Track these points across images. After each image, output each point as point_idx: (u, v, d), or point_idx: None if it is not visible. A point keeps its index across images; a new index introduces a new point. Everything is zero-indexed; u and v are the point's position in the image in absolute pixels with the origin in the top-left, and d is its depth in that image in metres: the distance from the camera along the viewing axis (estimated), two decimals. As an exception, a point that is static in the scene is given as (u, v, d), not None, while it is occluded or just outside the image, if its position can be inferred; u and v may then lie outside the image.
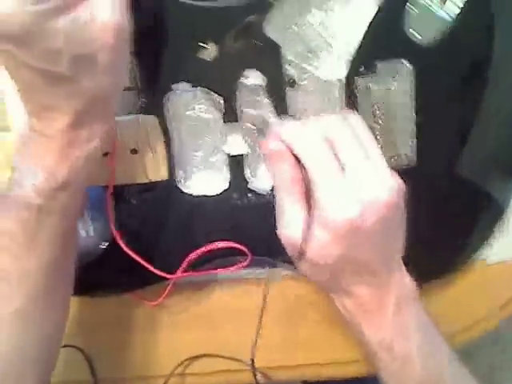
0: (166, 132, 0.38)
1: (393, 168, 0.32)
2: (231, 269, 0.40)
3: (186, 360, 0.44)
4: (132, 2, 0.29)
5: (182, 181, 0.39)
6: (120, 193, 0.39)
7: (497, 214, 0.42)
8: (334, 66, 0.37)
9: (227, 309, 0.44)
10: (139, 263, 0.38)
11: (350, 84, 0.37)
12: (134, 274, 0.39)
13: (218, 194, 0.39)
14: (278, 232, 0.33)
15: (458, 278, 0.44)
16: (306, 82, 0.37)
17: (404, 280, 0.34)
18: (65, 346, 0.41)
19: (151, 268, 0.38)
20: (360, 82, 0.37)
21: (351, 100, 0.37)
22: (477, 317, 0.45)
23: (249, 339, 0.44)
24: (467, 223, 0.41)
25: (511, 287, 0.45)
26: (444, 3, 0.36)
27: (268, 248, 0.39)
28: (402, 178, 0.32)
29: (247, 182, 0.39)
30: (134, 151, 0.37)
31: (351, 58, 0.37)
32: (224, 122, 0.38)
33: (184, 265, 0.39)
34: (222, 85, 0.37)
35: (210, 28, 0.36)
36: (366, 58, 0.37)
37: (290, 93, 0.37)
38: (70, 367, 0.44)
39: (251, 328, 0.44)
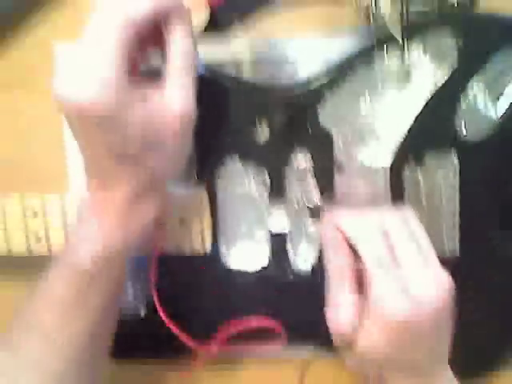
0: (213, 205, 0.39)
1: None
2: (266, 347, 0.39)
3: None
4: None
5: (225, 253, 0.40)
6: (162, 261, 0.39)
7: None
8: (381, 154, 0.38)
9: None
10: (174, 332, 0.39)
11: (396, 173, 0.38)
12: (168, 342, 0.39)
13: (258, 270, 0.40)
14: (326, 318, 0.33)
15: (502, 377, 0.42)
16: (353, 168, 0.38)
17: (447, 375, 0.33)
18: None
19: (186, 339, 0.38)
20: (408, 173, 0.38)
21: (398, 189, 0.38)
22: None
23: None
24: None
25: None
26: (497, 101, 0.37)
27: (306, 329, 0.39)
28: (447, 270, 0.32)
29: (288, 260, 0.39)
30: (182, 221, 0.38)
31: (398, 147, 0.38)
32: (270, 199, 0.39)
33: (218, 338, 0.39)
34: (271, 164, 0.38)
35: (265, 110, 0.38)
36: (414, 149, 0.38)
37: (337, 177, 0.38)
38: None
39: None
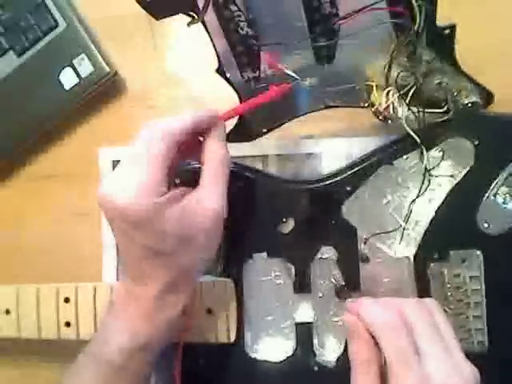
0: (239, 295, 0.40)
1: (465, 353, 0.32)
2: None
3: None
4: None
5: (250, 344, 0.40)
6: (187, 349, 0.39)
7: None
8: (404, 245, 0.39)
9: None
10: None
11: (421, 264, 0.39)
12: None
13: (282, 360, 0.40)
14: None
15: None
16: (378, 258, 0.39)
17: None
18: None
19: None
20: (432, 264, 0.39)
21: (422, 279, 0.39)
22: None
23: None
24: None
25: None
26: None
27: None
28: (475, 365, 0.31)
29: (313, 351, 0.39)
30: (209, 311, 0.39)
31: (422, 239, 0.39)
32: (295, 290, 0.40)
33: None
34: (296, 255, 0.40)
35: (290, 204, 0.40)
36: (438, 242, 0.38)
37: (361, 267, 0.39)
38: None
39: None
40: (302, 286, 0.40)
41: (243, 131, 0.41)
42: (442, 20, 0.35)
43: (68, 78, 0.45)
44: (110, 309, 0.34)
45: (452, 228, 0.39)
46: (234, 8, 0.35)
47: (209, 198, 0.32)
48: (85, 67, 0.45)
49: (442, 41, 0.36)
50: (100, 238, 0.45)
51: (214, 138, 0.33)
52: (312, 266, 0.39)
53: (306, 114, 0.41)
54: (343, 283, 0.39)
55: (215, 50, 0.37)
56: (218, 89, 0.40)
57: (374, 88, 0.38)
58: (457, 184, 0.38)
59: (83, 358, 0.33)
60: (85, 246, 0.46)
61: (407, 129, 0.37)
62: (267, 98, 0.36)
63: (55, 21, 0.46)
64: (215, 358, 0.40)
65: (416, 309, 0.33)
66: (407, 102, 0.37)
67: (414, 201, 0.39)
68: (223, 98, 0.39)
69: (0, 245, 0.48)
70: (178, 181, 0.35)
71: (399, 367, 0.30)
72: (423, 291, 0.39)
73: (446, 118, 0.38)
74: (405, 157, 0.39)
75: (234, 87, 0.39)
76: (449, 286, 0.38)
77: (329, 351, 0.39)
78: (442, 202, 0.39)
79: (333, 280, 0.39)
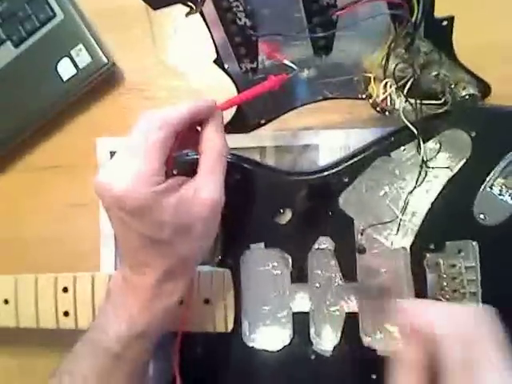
0: (237, 286, 0.40)
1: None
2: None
3: None
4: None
5: (247, 333, 0.40)
6: (185, 339, 0.40)
7: None
8: (401, 236, 0.39)
9: None
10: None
11: (417, 256, 0.39)
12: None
13: (279, 349, 0.40)
14: None
15: None
16: (374, 249, 0.39)
17: None
18: None
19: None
20: (429, 257, 0.39)
21: (419, 270, 0.39)
22: None
23: None
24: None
25: None
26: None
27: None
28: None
29: (310, 340, 0.40)
30: (207, 301, 0.39)
31: (418, 230, 0.39)
32: (293, 280, 0.40)
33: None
34: (293, 246, 0.40)
35: (287, 195, 0.40)
36: (435, 235, 0.39)
37: (358, 258, 0.39)
38: None
39: None
40: (299, 276, 0.40)
41: (241, 123, 0.41)
42: (440, 13, 0.35)
43: (66, 69, 0.45)
44: (108, 297, 0.34)
45: (448, 219, 0.39)
46: (232, -2, 0.35)
47: (206, 187, 0.32)
48: (83, 58, 0.45)
49: (440, 32, 0.37)
50: (98, 229, 0.45)
51: (212, 127, 0.33)
52: (309, 256, 0.40)
53: (304, 105, 0.41)
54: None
55: (213, 40, 0.37)
56: (216, 80, 0.40)
57: (372, 80, 0.38)
58: (453, 175, 0.39)
59: (81, 346, 0.33)
60: (83, 237, 0.46)
61: (404, 120, 0.38)
62: (265, 88, 0.36)
63: (53, 11, 0.46)
64: (213, 347, 0.40)
65: (480, 318, 0.32)
66: (405, 93, 0.37)
67: (410, 192, 0.39)
68: (221, 89, 0.39)
69: (-2, 236, 0.48)
70: (175, 172, 0.35)
71: (459, 377, 0.29)
72: (419, 282, 0.39)
73: (443, 109, 0.38)
74: (402, 148, 0.39)
75: (232, 78, 0.39)
76: (445, 276, 0.39)
77: (325, 340, 0.40)
78: (439, 194, 0.39)
79: (328, 279, 0.39)
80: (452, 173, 0.39)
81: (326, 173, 0.40)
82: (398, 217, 0.39)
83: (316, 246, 0.40)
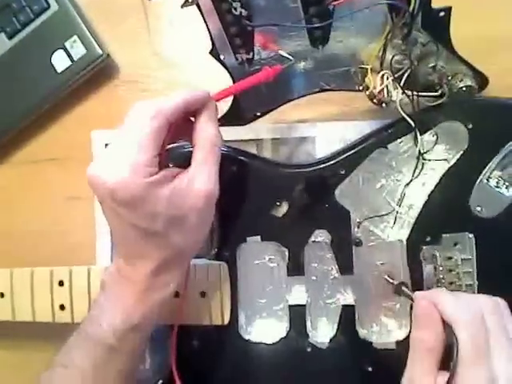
0: (233, 278, 0.40)
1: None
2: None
3: None
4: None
5: (244, 326, 0.40)
6: (182, 332, 0.39)
7: None
8: (397, 229, 0.39)
9: None
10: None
11: (413, 247, 0.39)
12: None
13: (276, 341, 0.40)
14: None
15: None
16: (371, 242, 0.39)
17: None
18: None
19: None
20: (425, 249, 0.39)
21: (415, 262, 0.39)
22: None
23: None
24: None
25: None
26: (509, 179, 0.38)
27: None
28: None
29: (306, 333, 0.40)
30: (203, 294, 0.39)
31: (415, 222, 0.39)
32: (289, 273, 0.40)
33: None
34: (289, 238, 0.40)
35: (283, 187, 0.40)
36: (431, 227, 0.39)
37: (355, 250, 0.39)
38: None
39: None
40: (296, 269, 0.40)
41: (237, 114, 0.40)
42: (438, 3, 0.35)
43: (60, 61, 0.45)
44: (103, 289, 0.34)
45: (445, 212, 0.39)
46: (227, -12, 0.35)
47: (200, 177, 0.31)
48: (77, 50, 0.45)
49: (438, 23, 0.36)
50: (94, 222, 0.45)
51: (205, 118, 0.33)
52: (306, 249, 0.40)
53: (301, 97, 0.41)
54: (402, 280, 0.39)
55: (209, 31, 0.37)
56: (211, 71, 0.39)
57: (369, 71, 0.38)
58: (450, 168, 0.39)
59: (75, 339, 0.33)
60: (78, 231, 0.45)
61: (401, 112, 0.37)
62: (260, 78, 0.35)
63: (47, 2, 0.45)
64: (209, 340, 0.40)
65: (493, 307, 0.33)
66: (401, 85, 0.37)
67: (407, 184, 0.39)
68: (217, 81, 0.39)
69: (-8, 230, 0.48)
70: (171, 165, 0.35)
71: (473, 361, 0.30)
72: (416, 274, 0.39)
73: (440, 101, 0.38)
74: (399, 140, 0.39)
75: (227, 69, 0.39)
76: (441, 268, 0.39)
77: (322, 333, 0.40)
78: (436, 186, 0.39)
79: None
80: (449, 165, 0.39)
81: (322, 165, 0.40)
82: (394, 209, 0.39)
83: (312, 238, 0.39)
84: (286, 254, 0.40)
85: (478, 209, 0.38)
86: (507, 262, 0.39)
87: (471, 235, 0.38)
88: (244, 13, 0.36)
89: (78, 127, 0.46)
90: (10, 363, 0.47)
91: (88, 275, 0.40)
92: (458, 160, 0.38)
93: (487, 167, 0.38)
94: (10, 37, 0.46)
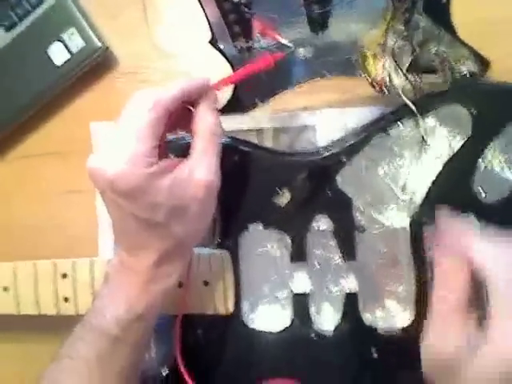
0: (236, 267, 0.40)
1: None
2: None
3: None
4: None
5: (247, 314, 0.40)
6: (186, 321, 0.40)
7: None
8: (400, 215, 0.39)
9: None
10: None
11: (416, 233, 0.39)
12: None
13: (280, 330, 0.40)
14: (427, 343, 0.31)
15: None
16: (374, 229, 0.39)
17: None
18: None
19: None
20: (427, 234, 0.39)
21: (418, 249, 0.39)
22: None
23: None
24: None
25: None
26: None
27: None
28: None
29: (311, 320, 0.40)
30: (206, 283, 0.39)
31: (418, 208, 0.39)
32: (292, 260, 0.40)
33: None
34: (292, 226, 0.40)
35: (285, 176, 0.39)
36: (435, 212, 0.38)
37: (357, 237, 0.39)
38: None
39: None
40: (299, 256, 0.40)
41: (238, 102, 0.40)
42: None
43: (59, 54, 0.45)
44: (106, 281, 0.34)
45: (448, 197, 0.38)
46: (225, -25, 0.34)
47: (201, 167, 0.31)
48: (75, 42, 0.44)
49: (439, 7, 0.36)
50: (94, 216, 0.44)
51: (205, 107, 0.33)
52: (308, 236, 0.40)
53: (302, 83, 0.41)
54: None
55: (207, 20, 0.37)
56: (211, 61, 0.39)
57: (371, 58, 0.38)
58: (453, 152, 0.38)
59: (80, 330, 0.33)
60: (79, 225, 0.45)
61: (404, 98, 0.37)
62: (260, 66, 0.35)
63: (44, -6, 0.45)
64: (214, 329, 0.40)
65: None
66: (403, 71, 0.37)
67: (410, 171, 0.39)
68: (216, 71, 0.38)
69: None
70: (172, 156, 0.35)
71: (504, 312, 0.28)
72: (419, 261, 0.39)
73: (442, 86, 0.38)
74: (400, 126, 0.39)
75: (227, 58, 0.39)
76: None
77: (326, 320, 0.40)
78: (439, 172, 0.39)
79: (327, 259, 0.38)
80: (452, 150, 0.38)
81: (323, 152, 0.39)
82: (397, 196, 0.39)
83: (315, 225, 0.39)
84: (289, 241, 0.40)
85: (482, 194, 0.38)
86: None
87: (475, 219, 0.38)
88: (243, 0, 0.35)
89: (77, 120, 0.46)
90: (16, 356, 0.47)
91: (91, 267, 0.40)
92: (461, 145, 0.38)
93: (491, 151, 0.38)
94: (8, 29, 0.45)
